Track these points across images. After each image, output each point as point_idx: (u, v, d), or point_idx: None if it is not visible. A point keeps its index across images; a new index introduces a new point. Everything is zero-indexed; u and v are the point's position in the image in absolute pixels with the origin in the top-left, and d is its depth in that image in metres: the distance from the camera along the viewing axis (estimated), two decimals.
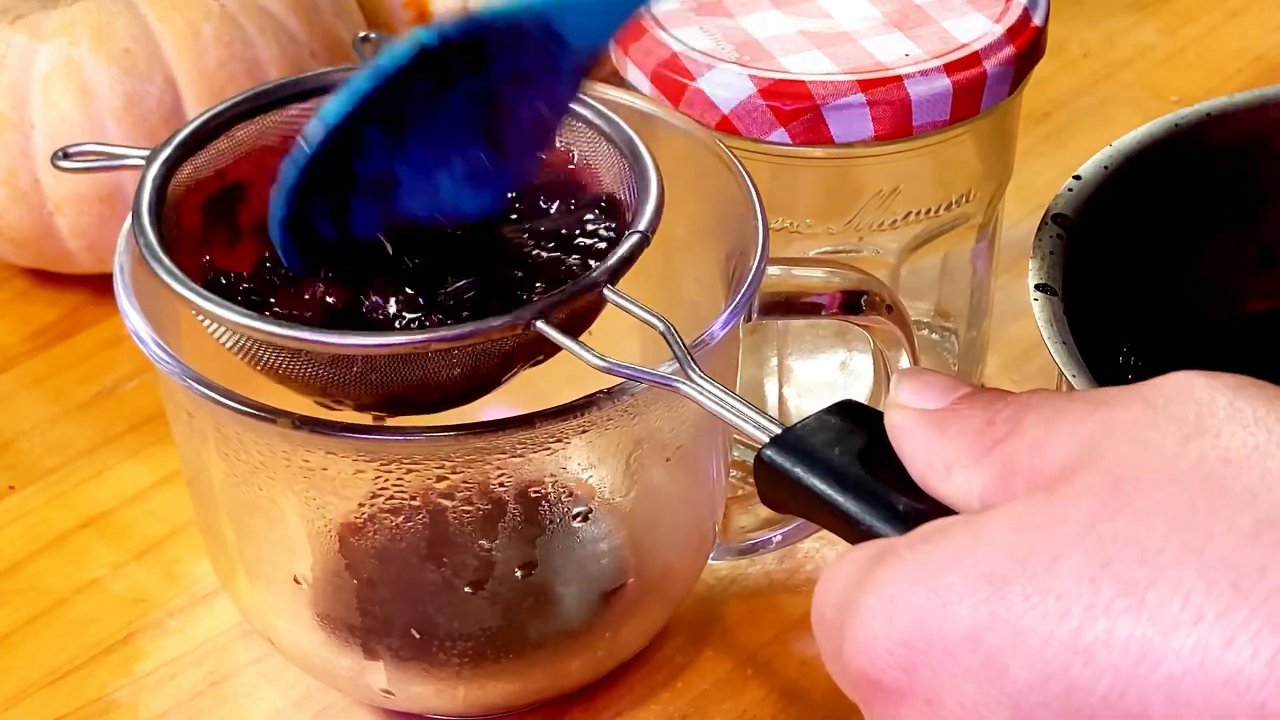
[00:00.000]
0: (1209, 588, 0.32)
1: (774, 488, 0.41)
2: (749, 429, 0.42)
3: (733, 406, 0.43)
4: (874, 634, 0.36)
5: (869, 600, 0.36)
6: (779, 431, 0.41)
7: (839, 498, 0.39)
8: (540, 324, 0.44)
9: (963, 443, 0.38)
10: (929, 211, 0.58)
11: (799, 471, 0.40)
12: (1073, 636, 0.33)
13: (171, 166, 0.50)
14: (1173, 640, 0.32)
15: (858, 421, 0.41)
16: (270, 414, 0.47)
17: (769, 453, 0.41)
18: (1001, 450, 0.37)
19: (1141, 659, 0.32)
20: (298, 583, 0.52)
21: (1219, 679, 0.32)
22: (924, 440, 0.39)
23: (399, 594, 0.51)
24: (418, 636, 0.51)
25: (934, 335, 0.64)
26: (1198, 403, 0.35)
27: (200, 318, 0.47)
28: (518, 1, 0.45)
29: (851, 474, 0.40)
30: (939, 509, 0.38)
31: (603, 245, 0.49)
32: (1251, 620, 0.32)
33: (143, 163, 0.50)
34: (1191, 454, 0.34)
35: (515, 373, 0.48)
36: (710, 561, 0.59)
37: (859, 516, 0.39)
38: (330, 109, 0.45)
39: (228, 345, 0.48)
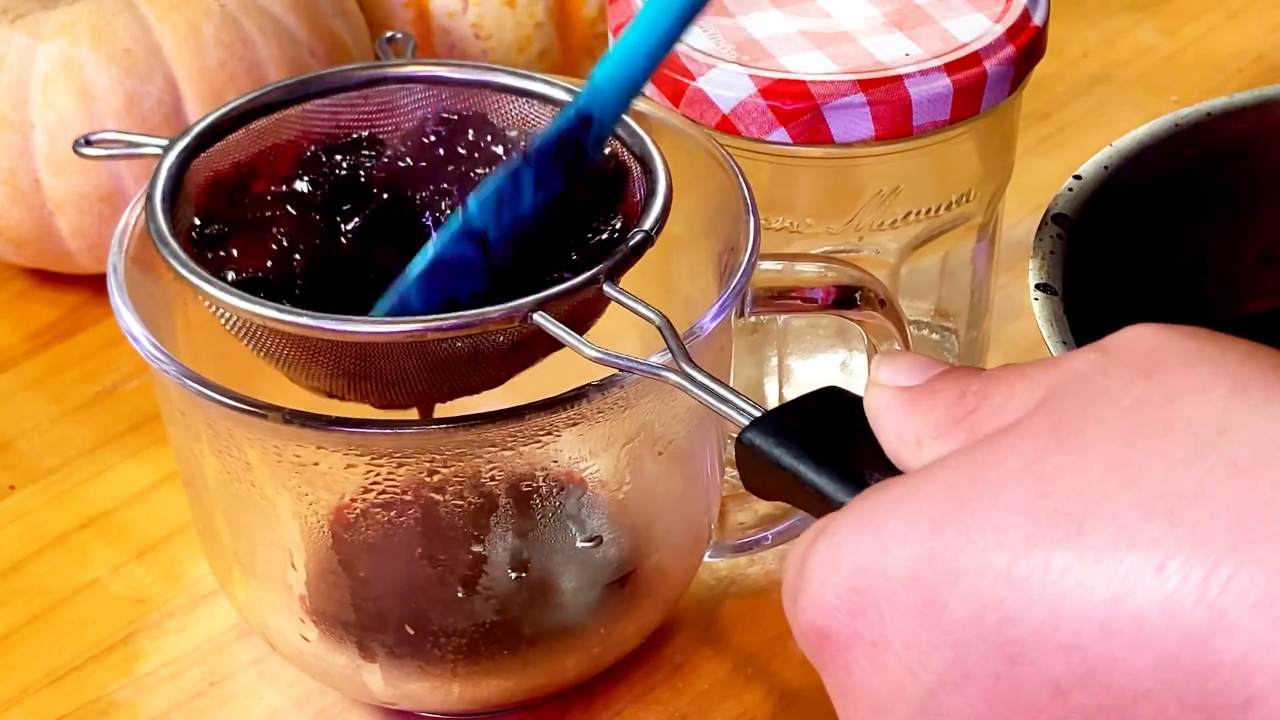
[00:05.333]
0: (1143, 516, 0.32)
1: (753, 470, 0.41)
2: (735, 416, 0.42)
3: (720, 395, 0.43)
4: (822, 582, 0.36)
5: (818, 549, 0.36)
6: (760, 415, 0.42)
7: (813, 475, 0.40)
8: (538, 316, 0.45)
9: (934, 417, 0.38)
10: (929, 211, 0.58)
11: (777, 452, 0.40)
12: (1008, 567, 0.33)
13: (189, 156, 0.50)
14: (1105, 568, 0.32)
15: (838, 405, 0.41)
16: (261, 409, 0.47)
17: (749, 435, 0.41)
18: (969, 421, 0.37)
19: (1075, 587, 0.32)
20: (292, 581, 0.52)
21: (1151, 605, 0.32)
22: (898, 416, 0.39)
23: (392, 590, 0.52)
24: (412, 633, 0.51)
25: (934, 335, 0.64)
26: (1146, 349, 0.35)
27: (206, 303, 0.48)
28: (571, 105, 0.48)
29: (826, 453, 0.40)
30: None
31: (605, 240, 0.49)
32: (1183, 546, 0.32)
33: (160, 151, 0.51)
34: (1134, 393, 0.34)
35: (518, 368, 0.49)
36: (708, 560, 0.59)
37: (833, 494, 0.39)
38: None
39: (231, 330, 0.48)
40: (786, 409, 0.41)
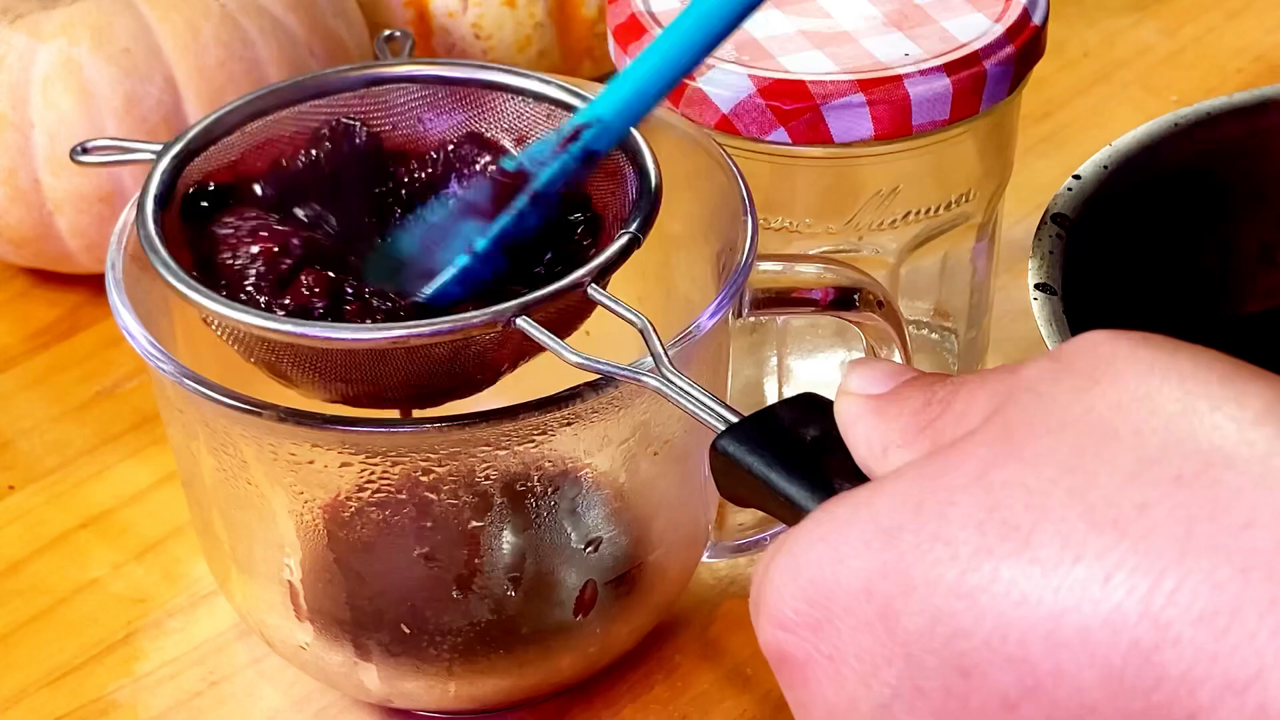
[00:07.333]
0: (1090, 528, 0.32)
1: (727, 477, 0.41)
2: (712, 422, 0.42)
3: (698, 400, 0.43)
4: (780, 594, 0.36)
5: (779, 560, 0.36)
6: (735, 421, 0.42)
7: (782, 484, 0.40)
8: (520, 321, 0.45)
9: (900, 424, 0.38)
10: (929, 211, 0.58)
11: (749, 460, 0.41)
12: (958, 580, 0.33)
13: (182, 162, 0.50)
14: (1052, 580, 0.32)
15: (813, 412, 0.41)
16: (256, 407, 0.47)
17: (722, 442, 0.41)
18: (933, 429, 0.37)
19: (1022, 601, 0.32)
20: (289, 579, 0.52)
21: (1096, 617, 0.32)
22: (866, 425, 0.39)
23: (388, 589, 0.52)
24: (407, 632, 0.51)
25: (934, 335, 0.64)
26: (1097, 356, 0.35)
27: (203, 316, 0.47)
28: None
29: (797, 461, 0.40)
30: None
31: (586, 242, 0.49)
32: (1129, 557, 0.32)
33: (153, 157, 0.51)
34: (1084, 402, 0.34)
35: (506, 370, 0.49)
36: (707, 560, 0.59)
37: (802, 503, 0.39)
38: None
39: (220, 336, 0.48)
40: (761, 416, 0.41)
